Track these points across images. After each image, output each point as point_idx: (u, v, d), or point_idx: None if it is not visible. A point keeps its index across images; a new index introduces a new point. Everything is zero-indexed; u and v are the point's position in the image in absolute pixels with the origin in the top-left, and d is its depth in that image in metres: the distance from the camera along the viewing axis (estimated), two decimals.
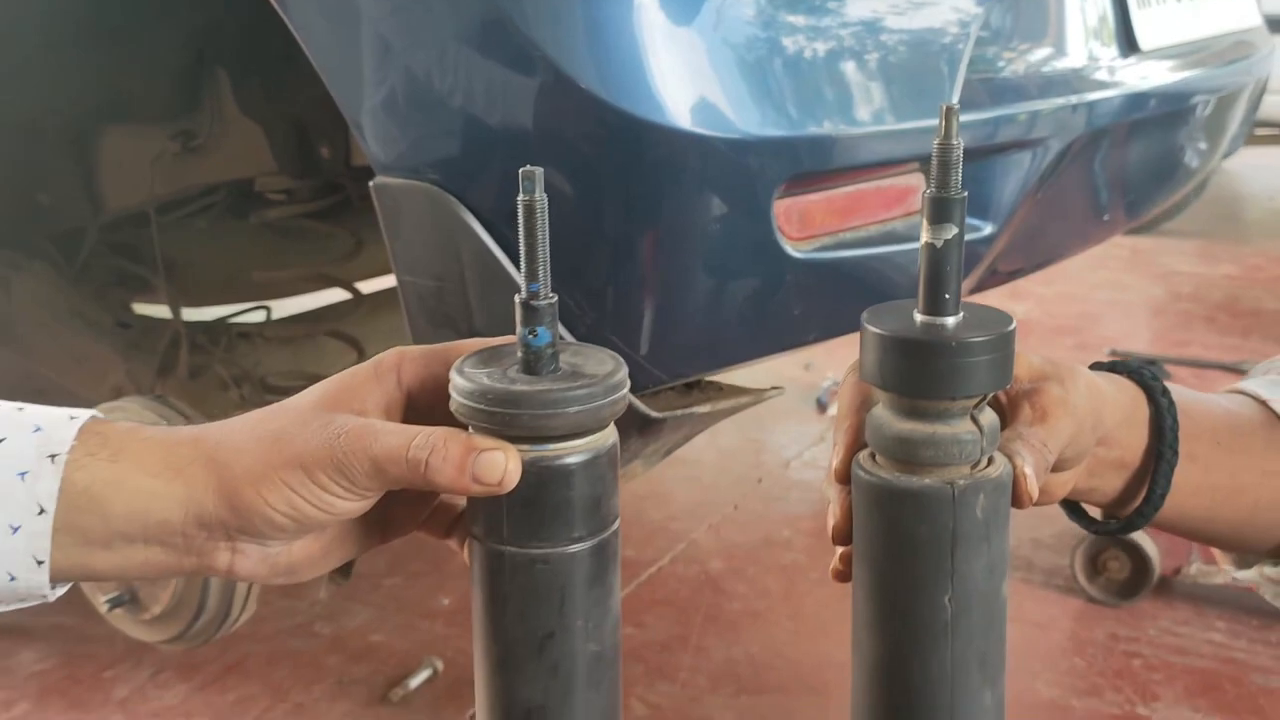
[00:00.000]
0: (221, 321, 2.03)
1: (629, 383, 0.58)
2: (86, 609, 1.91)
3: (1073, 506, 0.81)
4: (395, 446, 0.55)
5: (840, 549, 0.65)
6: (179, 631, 1.72)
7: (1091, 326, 3.92)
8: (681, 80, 1.13)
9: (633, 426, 1.25)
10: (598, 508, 0.56)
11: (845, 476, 0.63)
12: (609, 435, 0.57)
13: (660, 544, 2.41)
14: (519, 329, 0.56)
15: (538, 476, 0.55)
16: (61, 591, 0.60)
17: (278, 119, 1.85)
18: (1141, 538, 2.11)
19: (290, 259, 2.10)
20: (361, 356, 1.95)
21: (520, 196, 0.54)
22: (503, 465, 0.54)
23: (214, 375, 1.87)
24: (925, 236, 0.57)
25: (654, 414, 1.24)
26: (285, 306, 2.22)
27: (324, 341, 2.03)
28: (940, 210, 0.57)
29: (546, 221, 0.54)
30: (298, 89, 1.81)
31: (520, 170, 0.53)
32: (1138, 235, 4.77)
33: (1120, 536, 2.11)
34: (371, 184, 1.18)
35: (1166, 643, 2.03)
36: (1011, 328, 0.58)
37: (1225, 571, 0.94)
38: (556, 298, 0.56)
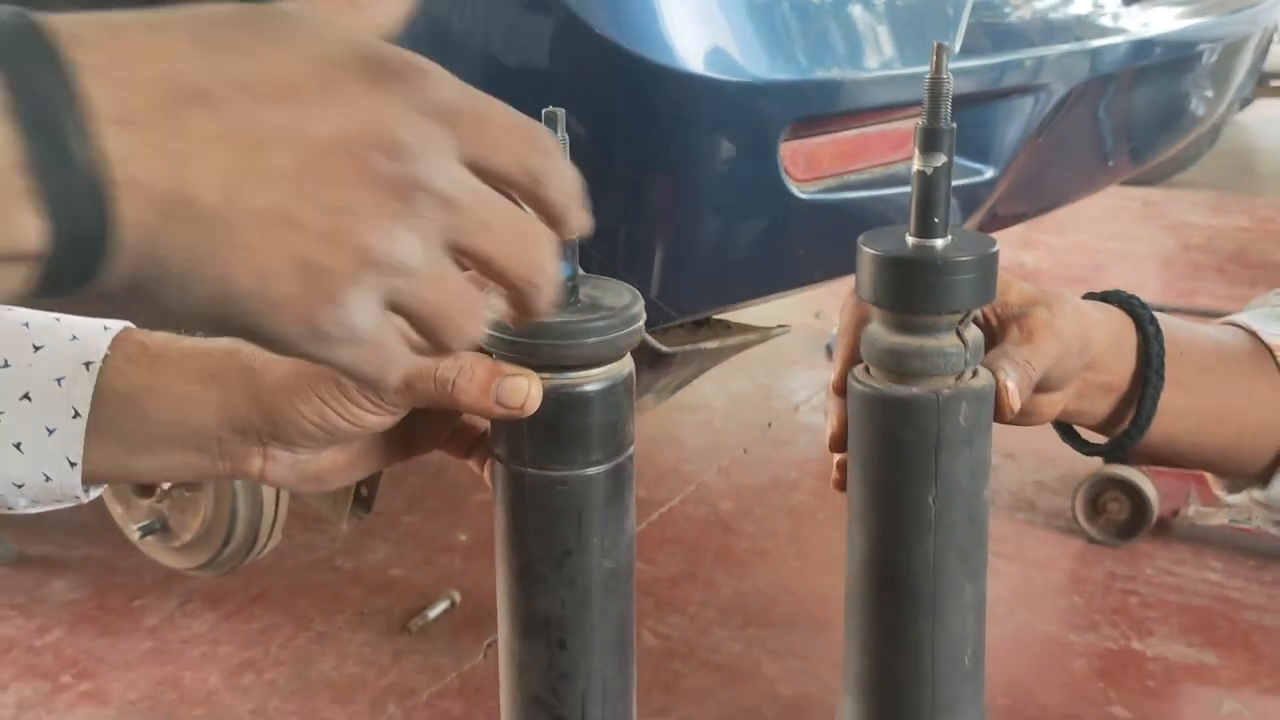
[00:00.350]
0: None
1: (645, 315, 0.61)
2: (115, 541, 1.99)
3: (1065, 429, 0.86)
4: (425, 366, 0.58)
5: (837, 457, 0.70)
6: (208, 558, 1.78)
7: (1101, 277, 3.95)
8: (693, 25, 1.17)
9: (644, 361, 1.30)
10: (614, 433, 0.60)
11: (842, 388, 0.68)
12: (626, 364, 0.61)
13: (672, 485, 2.47)
14: None
15: (558, 403, 0.58)
16: (96, 494, 0.64)
17: None
18: (1141, 480, 2.16)
19: None
20: None
21: None
22: (525, 390, 0.57)
23: None
24: (916, 164, 0.62)
25: (664, 349, 1.29)
26: None
27: None
28: (931, 140, 0.62)
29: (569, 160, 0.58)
30: None
31: (543, 111, 0.56)
32: (1150, 187, 4.79)
33: (1120, 476, 2.16)
34: None
35: (1163, 581, 2.09)
36: (994, 249, 0.63)
37: (1220, 501, 0.99)
38: (578, 235, 0.60)
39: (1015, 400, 0.66)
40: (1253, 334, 0.88)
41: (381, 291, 0.41)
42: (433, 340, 0.44)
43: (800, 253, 1.29)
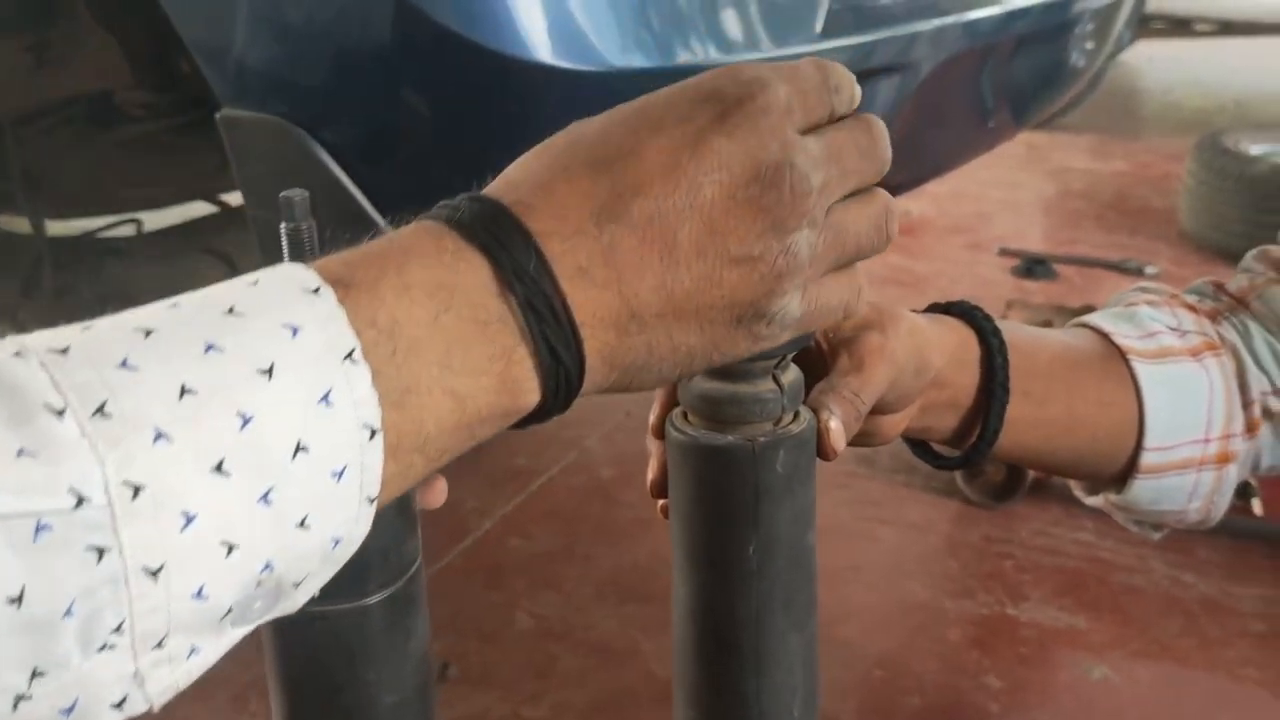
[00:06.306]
0: (89, 236, 1.97)
1: None
2: None
3: (917, 443, 0.83)
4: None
5: (660, 502, 0.66)
6: None
7: (984, 225, 3.98)
8: (540, 11, 1.11)
9: None
10: (387, 557, 0.54)
11: (661, 432, 0.64)
12: None
13: (552, 453, 2.43)
14: None
15: None
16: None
17: (135, 31, 1.78)
18: None
19: (158, 173, 2.03)
20: (234, 272, 1.90)
21: (283, 225, 0.51)
22: None
23: (80, 295, 1.82)
24: None
25: None
26: (158, 221, 2.16)
27: (198, 258, 1.98)
28: None
29: (317, 248, 0.52)
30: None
31: (280, 196, 0.50)
32: (1033, 131, 4.81)
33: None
34: (217, 116, 1.14)
35: (1038, 544, 2.11)
36: None
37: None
38: None
39: (839, 441, 0.63)
40: (1104, 335, 0.86)
41: (800, 284, 0.48)
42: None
43: None
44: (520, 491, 2.28)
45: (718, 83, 0.48)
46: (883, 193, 0.52)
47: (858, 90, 0.51)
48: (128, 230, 2.04)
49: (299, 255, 0.51)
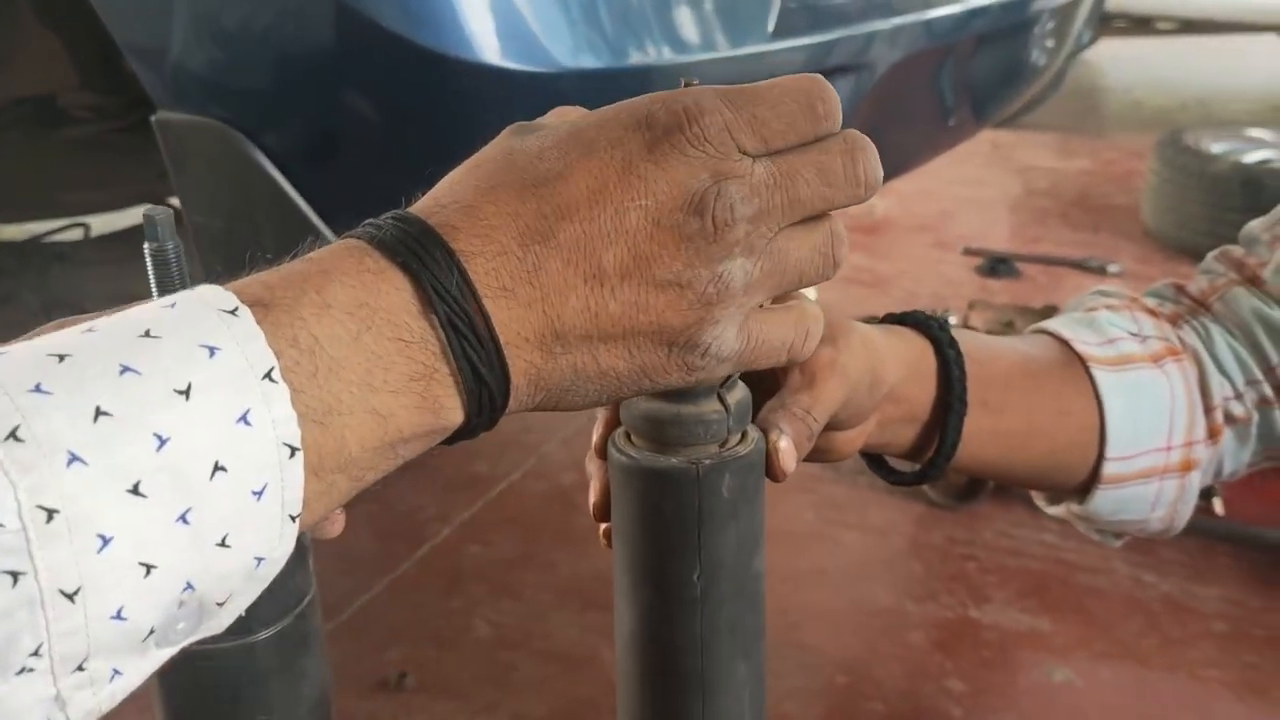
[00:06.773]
0: (35, 240, 1.92)
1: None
2: None
3: (874, 458, 0.82)
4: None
5: (603, 525, 0.64)
6: None
7: (949, 224, 3.98)
8: (485, 8, 1.08)
9: None
10: (271, 591, 0.50)
11: (603, 453, 0.62)
12: None
13: (512, 458, 2.40)
14: None
15: None
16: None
17: (79, 32, 1.73)
18: None
19: (106, 176, 1.99)
20: None
21: (147, 245, 0.49)
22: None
23: (25, 301, 1.77)
24: None
25: None
26: (106, 225, 2.12)
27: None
28: None
29: (184, 268, 0.50)
30: None
31: (144, 213, 0.48)
32: (998, 129, 4.82)
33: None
34: (153, 119, 1.11)
35: (1001, 545, 2.10)
36: None
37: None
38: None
39: (789, 461, 0.61)
40: (1064, 342, 0.85)
41: (735, 314, 0.48)
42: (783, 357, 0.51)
43: None
44: (480, 498, 2.25)
45: (651, 108, 0.47)
46: (830, 218, 0.50)
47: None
48: (75, 234, 2.00)
49: (164, 274, 0.49)
